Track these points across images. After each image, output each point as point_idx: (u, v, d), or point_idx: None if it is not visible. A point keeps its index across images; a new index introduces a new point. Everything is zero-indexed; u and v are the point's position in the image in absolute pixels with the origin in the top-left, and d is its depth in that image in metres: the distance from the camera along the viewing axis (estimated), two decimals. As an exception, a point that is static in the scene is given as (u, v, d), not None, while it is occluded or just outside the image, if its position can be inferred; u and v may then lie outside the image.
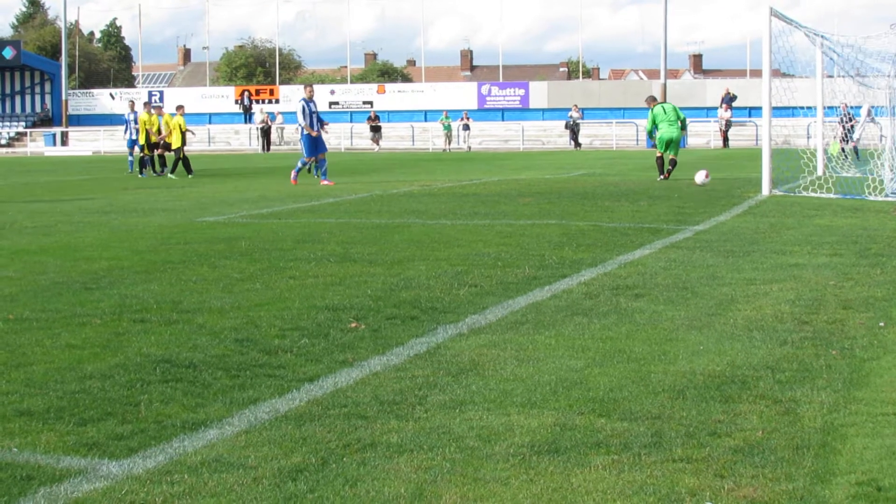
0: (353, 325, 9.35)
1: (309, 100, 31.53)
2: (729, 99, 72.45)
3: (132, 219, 19.98)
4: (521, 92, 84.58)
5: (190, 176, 38.73)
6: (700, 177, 27.91)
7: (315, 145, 31.42)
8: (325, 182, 30.79)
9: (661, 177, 30.49)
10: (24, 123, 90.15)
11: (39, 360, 8.09)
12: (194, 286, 11.58)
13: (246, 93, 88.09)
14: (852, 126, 42.47)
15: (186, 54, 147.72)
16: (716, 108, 73.36)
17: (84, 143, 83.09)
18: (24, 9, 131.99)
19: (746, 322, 9.36)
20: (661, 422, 6.41)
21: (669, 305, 10.22)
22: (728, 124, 70.52)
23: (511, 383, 7.35)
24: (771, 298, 10.55)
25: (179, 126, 40.93)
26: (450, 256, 13.76)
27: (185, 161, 40.13)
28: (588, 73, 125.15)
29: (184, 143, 40.71)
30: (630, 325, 9.27)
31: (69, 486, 5.44)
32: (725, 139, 70.23)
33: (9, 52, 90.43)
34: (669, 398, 6.93)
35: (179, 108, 42.93)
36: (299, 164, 31.98)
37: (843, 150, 39.01)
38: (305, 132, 31.36)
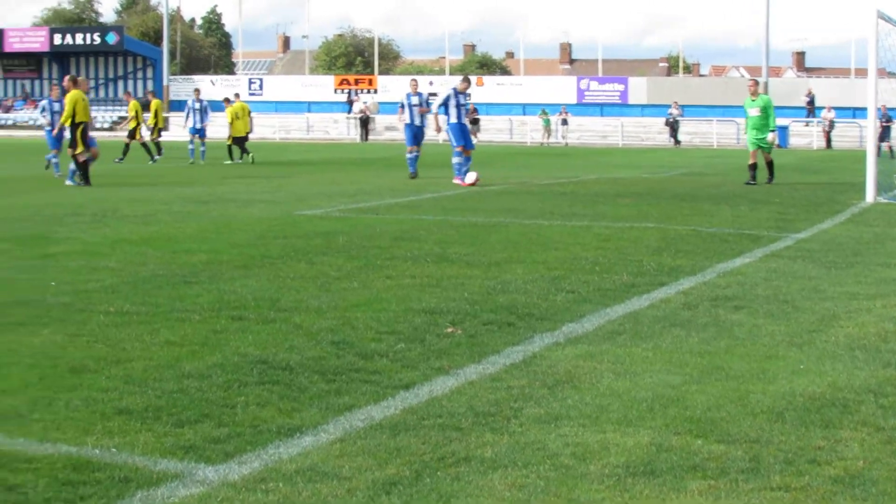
0: (450, 329, 9.35)
1: (413, 93, 31.28)
2: (811, 99, 71.83)
3: (231, 210, 20.13)
4: (621, 87, 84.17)
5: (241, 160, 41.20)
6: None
7: (416, 137, 30.96)
8: (458, 180, 28.39)
9: (767, 180, 29.67)
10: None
11: (139, 357, 8.17)
12: (292, 283, 11.64)
13: (351, 90, 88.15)
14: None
15: (286, 42, 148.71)
16: (820, 108, 72.51)
17: (183, 128, 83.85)
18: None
19: (848, 340, 9.22)
20: (759, 446, 6.33)
21: (769, 319, 10.10)
22: (832, 125, 69.68)
23: (607, 398, 7.31)
24: (874, 315, 10.38)
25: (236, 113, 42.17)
26: (547, 259, 13.72)
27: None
28: (688, 69, 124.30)
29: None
30: (729, 340, 9.17)
31: (166, 491, 5.48)
32: (829, 140, 69.38)
33: (112, 38, 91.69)
34: (768, 420, 6.84)
35: (236, 96, 44.82)
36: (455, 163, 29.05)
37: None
38: (451, 122, 29.44)
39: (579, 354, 8.53)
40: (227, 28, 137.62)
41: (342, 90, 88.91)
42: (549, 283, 11.93)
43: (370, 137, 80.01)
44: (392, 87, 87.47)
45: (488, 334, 9.23)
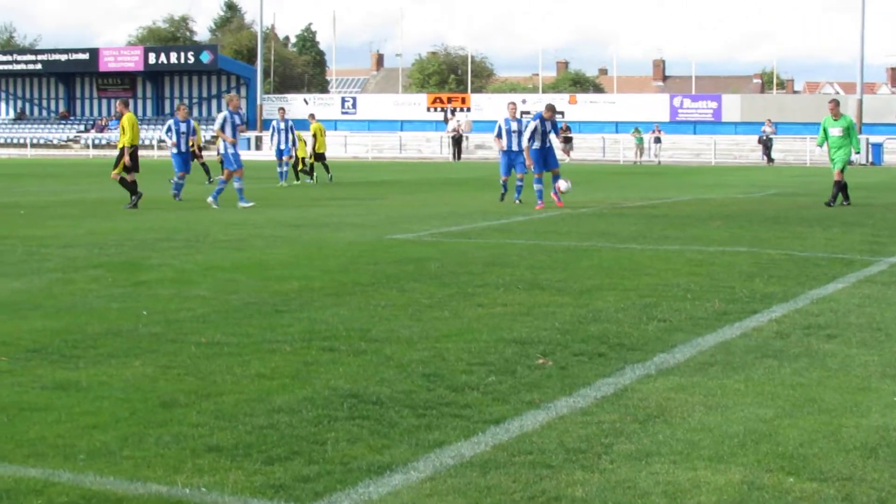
0: (541, 361, 9.34)
1: (511, 118, 29.96)
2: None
3: (323, 234, 20.25)
4: (714, 105, 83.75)
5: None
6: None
7: (511, 165, 29.48)
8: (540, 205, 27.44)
9: (845, 202, 29.15)
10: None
11: (229, 391, 8.23)
12: (383, 312, 11.68)
13: (447, 108, 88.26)
14: None
15: (379, 59, 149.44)
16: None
17: (270, 149, 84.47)
18: (222, 13, 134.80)
19: (945, 372, 9.10)
20: (852, 484, 6.25)
21: (863, 349, 9.99)
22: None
23: (698, 433, 7.25)
24: (971, 345, 10.24)
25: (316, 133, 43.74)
26: (638, 286, 13.66)
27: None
28: (782, 85, 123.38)
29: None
30: (821, 371, 9.08)
31: (256, 531, 5.52)
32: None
33: (206, 57, 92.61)
34: (861, 457, 6.76)
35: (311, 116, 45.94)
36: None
37: None
38: (533, 147, 28.32)
39: (671, 387, 8.49)
40: (321, 46, 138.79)
41: (435, 108, 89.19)
42: (641, 310, 11.88)
43: (462, 156, 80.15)
44: (485, 105, 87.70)
45: (579, 365, 9.21)
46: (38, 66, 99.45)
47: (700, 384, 8.59)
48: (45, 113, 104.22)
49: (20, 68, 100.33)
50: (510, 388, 8.41)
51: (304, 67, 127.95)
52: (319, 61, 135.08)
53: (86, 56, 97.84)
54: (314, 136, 43.55)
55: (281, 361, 9.22)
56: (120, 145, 27.90)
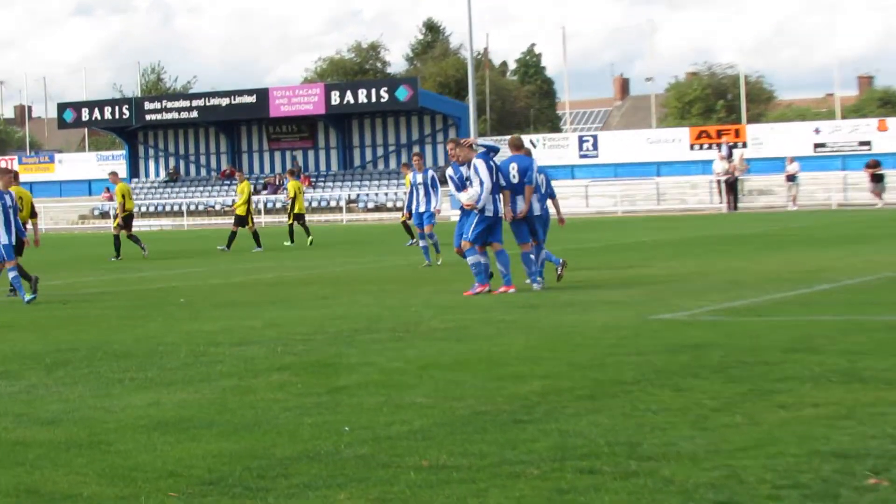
0: (873, 480, 9.09)
1: None
2: None
3: (567, 316, 20.19)
4: None
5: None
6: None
7: None
8: None
9: None
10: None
11: (463, 531, 8.17)
12: (654, 419, 11.54)
13: (723, 144, 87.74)
14: None
15: (624, 86, 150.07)
16: None
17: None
18: (421, 37, 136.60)
19: None
20: None
21: None
22: None
23: None
24: None
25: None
26: None
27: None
28: None
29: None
30: None
31: None
32: None
33: (403, 93, 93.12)
34: None
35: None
36: None
37: None
38: None
39: None
40: (549, 72, 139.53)
41: (700, 145, 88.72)
42: None
43: (739, 205, 79.66)
44: (766, 138, 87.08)
45: (924, 485, 8.96)
46: (194, 115, 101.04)
47: None
48: (203, 172, 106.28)
49: (171, 118, 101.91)
50: (835, 517, 8.22)
51: (527, 100, 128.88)
52: (547, 91, 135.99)
53: (252, 99, 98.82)
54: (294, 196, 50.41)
55: (527, 489, 9.14)
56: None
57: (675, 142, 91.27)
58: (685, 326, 18.43)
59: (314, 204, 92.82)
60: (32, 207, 30.76)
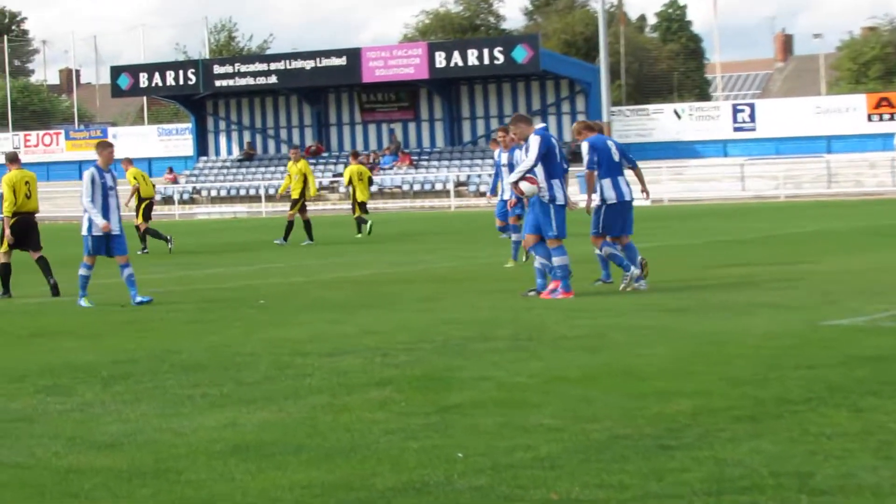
0: None
1: None
2: None
3: (720, 321, 20.14)
4: None
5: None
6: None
7: None
8: None
9: None
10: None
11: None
12: (828, 445, 11.50)
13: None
14: None
15: (786, 44, 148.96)
16: None
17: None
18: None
19: None
20: None
21: None
22: None
23: None
24: None
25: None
26: None
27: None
28: None
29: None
30: None
31: None
32: None
33: (522, 54, 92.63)
34: None
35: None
36: None
37: None
38: None
39: None
40: (696, 28, 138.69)
41: (880, 116, 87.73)
42: None
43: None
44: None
45: None
46: (273, 80, 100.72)
47: None
48: (283, 148, 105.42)
49: (245, 84, 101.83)
50: None
51: (670, 62, 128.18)
52: (694, 51, 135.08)
53: (342, 61, 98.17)
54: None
55: (677, 529, 9.17)
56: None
57: (849, 111, 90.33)
58: (863, 334, 18.35)
59: (416, 187, 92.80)
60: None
